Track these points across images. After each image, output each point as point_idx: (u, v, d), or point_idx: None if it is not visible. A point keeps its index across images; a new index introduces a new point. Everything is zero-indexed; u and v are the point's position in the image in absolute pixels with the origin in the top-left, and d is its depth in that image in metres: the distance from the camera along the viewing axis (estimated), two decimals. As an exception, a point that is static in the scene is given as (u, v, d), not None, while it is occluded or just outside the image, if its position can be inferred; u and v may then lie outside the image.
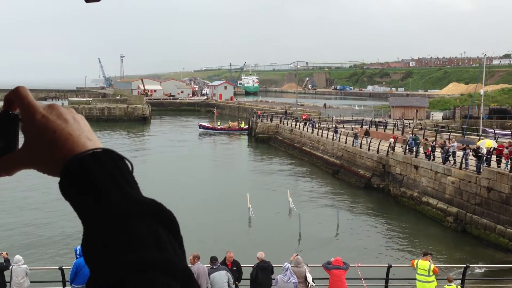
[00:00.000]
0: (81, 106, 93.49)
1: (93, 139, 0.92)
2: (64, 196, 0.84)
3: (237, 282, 13.40)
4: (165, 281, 0.72)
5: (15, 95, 0.92)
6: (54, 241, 25.84)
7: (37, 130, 0.89)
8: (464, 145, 32.97)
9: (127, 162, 0.89)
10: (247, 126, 75.46)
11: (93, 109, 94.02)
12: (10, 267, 13.54)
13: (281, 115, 70.71)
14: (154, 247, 0.76)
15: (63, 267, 14.55)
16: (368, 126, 56.99)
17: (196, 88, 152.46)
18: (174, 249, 0.79)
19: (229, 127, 76.68)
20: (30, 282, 13.94)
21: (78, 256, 13.36)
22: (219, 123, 78.33)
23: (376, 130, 54.04)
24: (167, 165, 49.29)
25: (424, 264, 13.86)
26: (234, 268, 13.48)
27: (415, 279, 14.23)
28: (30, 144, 0.90)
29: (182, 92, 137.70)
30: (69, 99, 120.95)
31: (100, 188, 0.81)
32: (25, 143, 0.90)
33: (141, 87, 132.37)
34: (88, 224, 0.80)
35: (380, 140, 41.26)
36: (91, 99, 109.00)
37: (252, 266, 13.63)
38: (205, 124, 78.21)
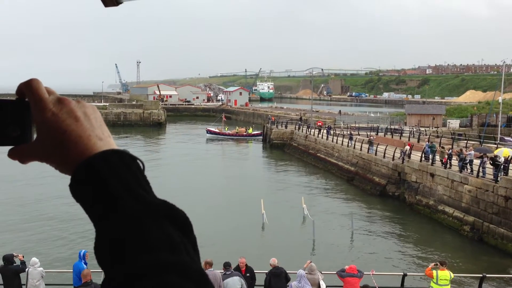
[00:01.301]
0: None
1: (104, 138, 0.91)
2: (75, 199, 0.84)
3: None
4: (179, 283, 0.71)
5: (27, 87, 0.90)
6: (70, 244, 26.07)
7: (47, 128, 0.88)
8: (481, 154, 32.57)
9: (138, 162, 0.87)
10: (255, 132, 76.23)
11: (110, 114, 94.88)
12: (26, 269, 13.67)
13: (295, 122, 70.65)
14: (167, 249, 0.75)
15: (78, 270, 14.66)
16: (383, 133, 56.63)
17: (211, 94, 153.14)
18: (188, 250, 0.78)
19: (236, 132, 77.06)
20: (46, 284, 14.08)
21: (81, 260, 13.51)
22: (226, 129, 78.69)
23: (392, 137, 53.67)
24: (180, 170, 49.51)
25: (445, 274, 13.75)
26: (248, 275, 13.44)
27: (431, 288, 14.07)
28: (41, 141, 0.89)
29: (197, 97, 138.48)
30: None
31: (111, 191, 0.80)
32: (37, 139, 0.90)
33: (157, 92, 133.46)
34: (100, 227, 0.79)
35: (396, 148, 40.96)
36: (107, 104, 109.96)
37: (266, 273, 13.60)
38: (213, 129, 78.62)
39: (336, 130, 57.54)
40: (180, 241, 0.78)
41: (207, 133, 77.68)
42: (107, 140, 0.91)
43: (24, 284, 13.69)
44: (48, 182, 36.95)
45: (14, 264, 13.79)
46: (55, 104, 0.89)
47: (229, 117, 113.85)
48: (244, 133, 76.51)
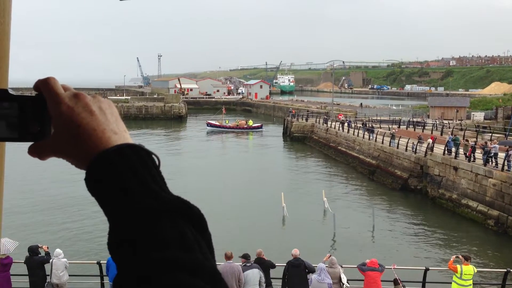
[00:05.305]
0: (119, 104, 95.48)
1: (119, 132, 0.90)
2: (90, 193, 0.83)
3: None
4: (191, 281, 0.71)
5: (43, 84, 0.91)
6: (93, 235, 26.46)
7: (62, 122, 0.88)
8: (507, 147, 31.93)
9: (154, 157, 0.86)
10: (255, 125, 76.85)
11: (131, 107, 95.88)
12: (51, 260, 13.93)
13: (316, 114, 70.42)
14: (179, 247, 0.74)
15: (100, 262, 14.91)
16: (405, 126, 55.91)
17: (232, 87, 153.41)
18: (201, 247, 0.77)
19: (237, 125, 77.37)
20: (69, 275, 14.33)
21: None
22: (227, 121, 78.77)
23: (414, 130, 53.00)
24: (198, 164, 49.76)
25: (469, 270, 13.59)
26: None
27: (453, 282, 13.89)
28: (57, 136, 0.90)
29: (218, 91, 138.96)
30: (108, 97, 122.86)
31: (124, 186, 0.79)
32: (53, 134, 0.91)
33: (178, 86, 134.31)
34: (113, 222, 0.79)
35: (418, 141, 40.40)
36: (129, 97, 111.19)
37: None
38: (213, 122, 78.80)
39: (357, 123, 56.91)
40: (193, 238, 0.77)
41: (207, 126, 77.99)
42: (122, 135, 0.89)
43: (48, 275, 13.95)
44: (73, 178, 37.51)
45: (39, 255, 14.06)
46: (70, 98, 0.90)
47: (249, 110, 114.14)
48: (245, 126, 76.79)
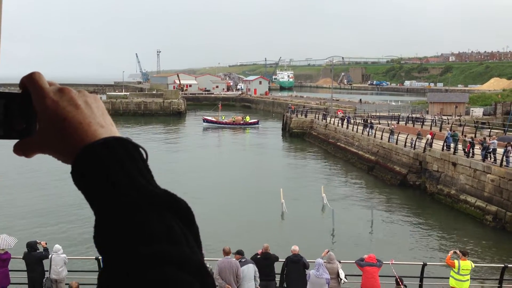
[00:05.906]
0: (118, 100, 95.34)
1: (105, 125, 0.89)
2: (77, 186, 0.83)
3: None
4: (178, 275, 0.71)
5: (28, 79, 0.91)
6: (92, 231, 26.49)
7: (48, 117, 0.87)
8: (506, 142, 31.97)
9: (141, 150, 0.85)
10: (252, 120, 76.89)
11: (130, 103, 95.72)
12: (49, 256, 13.95)
13: (315, 110, 70.36)
14: (167, 240, 0.74)
15: (99, 257, 14.92)
16: (404, 122, 55.88)
17: (231, 83, 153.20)
18: (188, 241, 0.77)
19: (233, 121, 77.22)
20: (68, 271, 14.35)
21: None
22: (223, 117, 78.58)
23: (413, 126, 53.01)
24: (197, 159, 49.76)
25: (467, 265, 13.67)
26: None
27: (451, 277, 13.94)
28: (42, 130, 0.89)
29: (217, 87, 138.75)
30: (107, 93, 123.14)
31: (111, 179, 0.79)
32: (38, 130, 0.90)
33: (177, 81, 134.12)
34: (99, 215, 0.78)
35: (417, 137, 40.46)
36: (128, 93, 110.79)
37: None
38: (210, 118, 78.66)
39: (356, 119, 56.90)
40: (180, 232, 0.76)
41: (204, 122, 77.67)
42: (109, 128, 0.89)
43: (47, 271, 13.98)
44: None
45: (38, 251, 14.09)
46: (55, 92, 0.89)
47: (248, 106, 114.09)
48: (241, 122, 76.75)
